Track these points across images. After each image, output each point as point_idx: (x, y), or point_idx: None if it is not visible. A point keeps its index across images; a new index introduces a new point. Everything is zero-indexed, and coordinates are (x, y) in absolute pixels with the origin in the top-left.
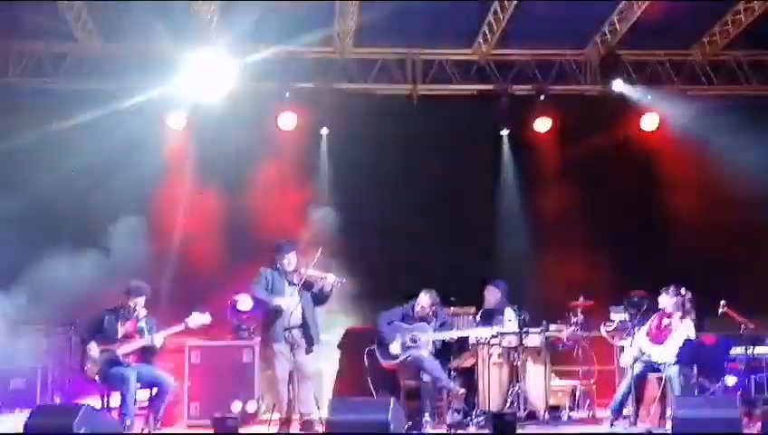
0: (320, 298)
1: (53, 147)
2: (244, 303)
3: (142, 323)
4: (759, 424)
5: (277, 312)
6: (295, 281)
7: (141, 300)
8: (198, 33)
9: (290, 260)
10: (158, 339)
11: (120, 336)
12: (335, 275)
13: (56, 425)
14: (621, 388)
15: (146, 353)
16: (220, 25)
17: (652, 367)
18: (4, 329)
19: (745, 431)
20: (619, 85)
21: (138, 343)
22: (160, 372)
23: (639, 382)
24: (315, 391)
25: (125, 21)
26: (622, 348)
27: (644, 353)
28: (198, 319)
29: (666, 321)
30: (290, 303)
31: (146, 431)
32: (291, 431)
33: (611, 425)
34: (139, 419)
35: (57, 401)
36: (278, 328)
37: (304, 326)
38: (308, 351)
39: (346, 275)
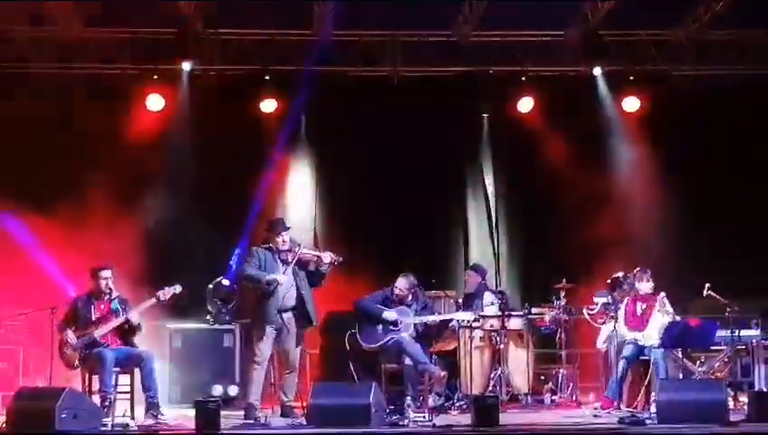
0: (315, 277)
1: (32, 130)
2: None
3: (115, 304)
4: (745, 407)
5: (270, 291)
6: (289, 259)
7: (108, 273)
8: (178, 17)
9: (283, 239)
10: (134, 315)
11: (94, 319)
12: (331, 253)
13: (38, 408)
14: (618, 373)
15: (126, 335)
16: (200, 8)
17: (640, 349)
18: None
19: (731, 415)
20: (597, 69)
21: (114, 322)
22: (139, 349)
23: (632, 366)
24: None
25: (105, 6)
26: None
27: (630, 338)
28: (169, 291)
29: (641, 306)
30: (281, 278)
31: (147, 422)
32: (259, 417)
33: (609, 411)
34: (121, 403)
35: (39, 384)
36: (271, 308)
37: (300, 307)
38: (301, 331)
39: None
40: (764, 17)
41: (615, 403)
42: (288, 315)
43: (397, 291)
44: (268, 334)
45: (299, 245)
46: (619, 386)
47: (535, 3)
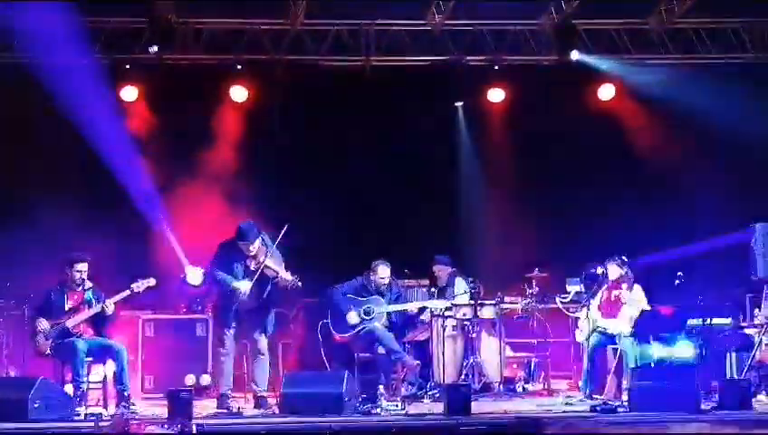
0: (273, 291)
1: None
2: (194, 277)
3: (89, 294)
4: (716, 395)
5: (232, 294)
6: (252, 268)
7: (84, 266)
8: (150, 4)
9: (252, 246)
10: (108, 306)
11: (67, 309)
12: (291, 275)
13: (11, 398)
14: (585, 364)
15: (98, 325)
16: None
17: (609, 339)
18: None
19: (702, 402)
20: (576, 55)
21: (87, 313)
22: (111, 341)
23: (598, 354)
24: (270, 365)
25: None
26: (577, 320)
27: (599, 326)
28: (143, 283)
29: (615, 292)
30: (246, 288)
31: (119, 412)
32: (231, 406)
33: (590, 399)
34: (93, 393)
35: (12, 374)
36: (230, 312)
37: (259, 311)
38: (264, 320)
39: (299, 249)
40: (736, 5)
41: (603, 390)
42: (248, 313)
43: (377, 278)
44: (231, 326)
45: (268, 251)
46: (592, 374)
47: None
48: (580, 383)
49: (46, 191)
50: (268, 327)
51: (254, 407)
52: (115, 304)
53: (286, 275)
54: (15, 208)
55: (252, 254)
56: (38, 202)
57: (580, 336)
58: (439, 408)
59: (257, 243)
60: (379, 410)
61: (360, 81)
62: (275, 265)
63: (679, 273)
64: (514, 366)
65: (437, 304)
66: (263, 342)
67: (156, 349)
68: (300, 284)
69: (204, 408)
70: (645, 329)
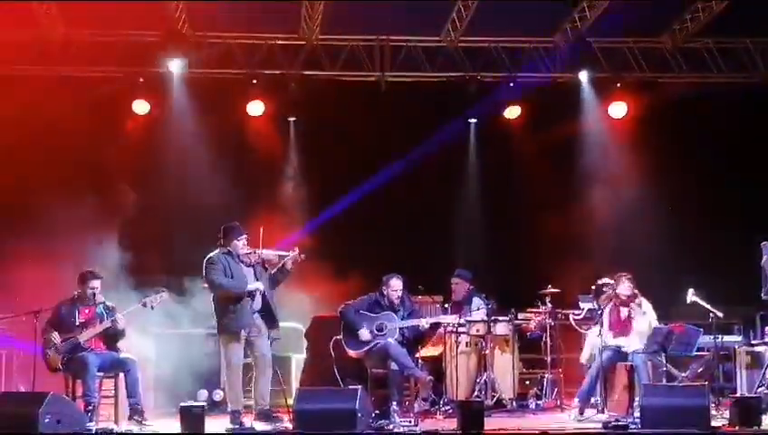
0: (277, 278)
1: (16, 134)
2: None
3: (101, 309)
4: (727, 413)
5: (242, 298)
6: (253, 262)
7: (97, 283)
8: (164, 19)
9: (244, 242)
10: (119, 320)
11: (79, 323)
12: (293, 251)
13: (21, 413)
14: (588, 376)
15: (110, 340)
16: (187, 11)
17: (620, 355)
18: None
19: (714, 420)
20: (584, 76)
21: (99, 327)
22: (123, 355)
23: (607, 371)
24: (281, 378)
25: (88, 7)
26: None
27: (610, 345)
28: (156, 297)
29: (624, 311)
30: (259, 284)
31: (131, 427)
32: (244, 422)
33: (580, 413)
34: (105, 408)
35: (22, 388)
36: (244, 314)
37: (266, 310)
38: (270, 336)
39: (312, 264)
40: (749, 25)
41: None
42: (256, 316)
43: (390, 291)
44: (240, 340)
45: (257, 251)
46: (590, 392)
47: (523, 9)
48: (578, 395)
49: (59, 203)
50: (273, 333)
51: (256, 419)
52: (126, 318)
53: (287, 255)
54: (26, 221)
55: (245, 251)
56: (50, 214)
57: (582, 356)
58: (452, 424)
59: (244, 238)
60: (392, 426)
61: (376, 96)
62: (271, 250)
63: (691, 289)
64: (527, 383)
65: (450, 320)
66: (269, 355)
67: (168, 364)
68: (303, 256)
69: (216, 424)
70: (656, 345)
